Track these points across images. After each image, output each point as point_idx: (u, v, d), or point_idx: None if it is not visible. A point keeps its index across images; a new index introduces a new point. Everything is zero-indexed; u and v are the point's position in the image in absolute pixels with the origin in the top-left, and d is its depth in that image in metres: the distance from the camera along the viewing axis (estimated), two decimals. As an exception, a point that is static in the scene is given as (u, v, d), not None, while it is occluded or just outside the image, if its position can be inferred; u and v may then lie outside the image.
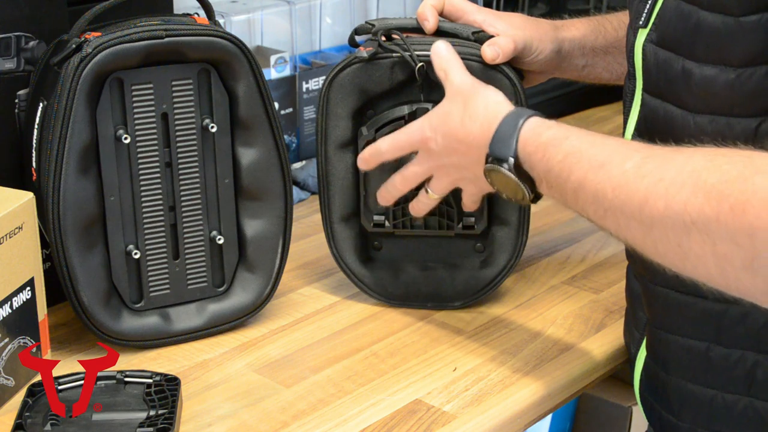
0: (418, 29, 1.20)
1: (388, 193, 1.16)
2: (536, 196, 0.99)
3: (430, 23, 1.18)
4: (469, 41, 1.18)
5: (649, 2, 0.99)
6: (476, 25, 1.20)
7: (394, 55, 1.16)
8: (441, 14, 1.21)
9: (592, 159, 0.90)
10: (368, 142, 1.19)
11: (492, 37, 1.17)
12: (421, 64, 1.15)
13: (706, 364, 1.01)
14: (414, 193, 1.17)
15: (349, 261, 1.24)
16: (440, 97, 1.18)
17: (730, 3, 0.90)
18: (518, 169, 0.97)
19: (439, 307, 1.23)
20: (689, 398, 1.04)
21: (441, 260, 1.23)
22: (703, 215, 0.80)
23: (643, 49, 1.00)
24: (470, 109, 1.03)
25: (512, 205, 1.19)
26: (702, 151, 0.84)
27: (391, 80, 1.17)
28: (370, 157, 1.14)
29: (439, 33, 1.20)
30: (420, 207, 1.16)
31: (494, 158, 0.98)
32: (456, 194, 1.18)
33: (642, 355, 1.09)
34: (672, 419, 1.06)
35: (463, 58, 1.15)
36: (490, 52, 1.14)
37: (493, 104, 1.02)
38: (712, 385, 1.02)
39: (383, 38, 1.17)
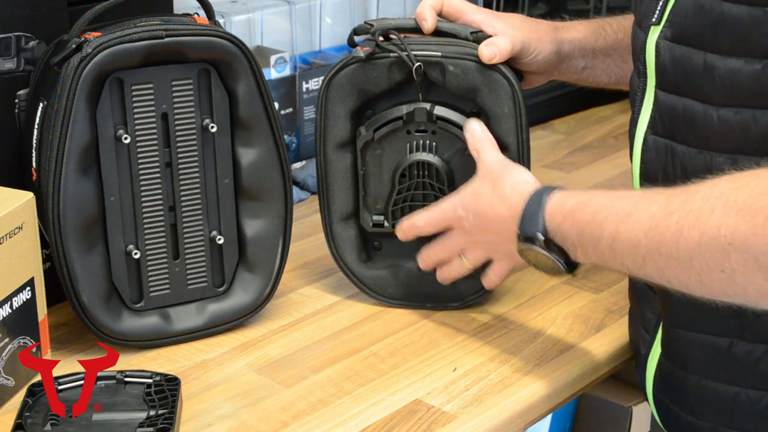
0: (417, 29, 1.20)
1: (429, 258, 1.18)
2: (572, 268, 1.00)
3: (429, 23, 1.19)
4: (467, 41, 1.18)
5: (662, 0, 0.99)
6: (475, 26, 1.20)
7: (391, 55, 1.16)
8: (440, 14, 1.21)
9: (620, 211, 0.91)
10: (367, 143, 1.19)
11: (490, 37, 1.17)
12: (418, 63, 1.15)
13: (728, 360, 1.01)
14: (419, 194, 1.19)
15: (349, 261, 1.24)
16: (437, 97, 1.18)
17: None
18: (549, 244, 0.99)
19: (438, 308, 1.23)
20: (710, 396, 1.03)
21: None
22: (739, 233, 0.80)
23: (657, 47, 1.00)
24: (499, 191, 1.06)
25: None
26: (726, 175, 0.85)
27: (389, 80, 1.17)
28: (408, 229, 1.17)
29: (438, 33, 1.20)
30: (451, 273, 1.17)
31: (525, 237, 1.00)
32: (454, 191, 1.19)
33: (655, 355, 1.09)
34: (691, 419, 1.05)
35: (460, 58, 1.15)
36: (487, 51, 1.14)
37: (520, 184, 1.04)
38: (735, 381, 1.01)
39: (381, 38, 1.17)
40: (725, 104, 0.95)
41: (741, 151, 0.95)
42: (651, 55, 1.01)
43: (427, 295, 1.23)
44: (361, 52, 1.17)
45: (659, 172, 1.02)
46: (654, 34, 1.00)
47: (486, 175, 1.09)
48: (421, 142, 1.19)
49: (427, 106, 1.18)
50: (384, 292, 1.24)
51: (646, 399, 1.13)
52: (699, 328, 1.03)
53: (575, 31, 1.25)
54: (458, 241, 1.13)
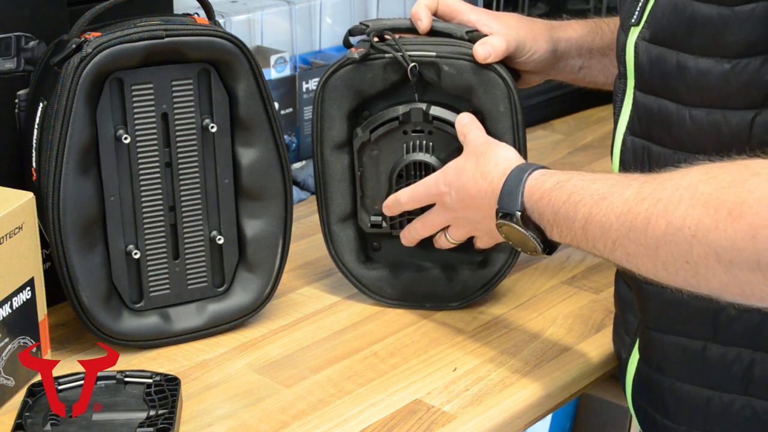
0: (413, 29, 1.20)
1: (410, 236, 1.19)
2: (548, 247, 1.01)
3: (424, 23, 1.18)
4: (462, 41, 1.17)
5: (641, 0, 0.99)
6: (470, 25, 1.20)
7: (386, 55, 1.16)
8: (435, 14, 1.21)
9: (595, 194, 0.92)
10: (364, 143, 1.19)
11: (485, 36, 1.17)
12: (413, 64, 1.15)
13: (702, 363, 1.01)
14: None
15: (348, 261, 1.23)
16: (433, 97, 1.18)
17: None
18: (526, 220, 1.00)
19: (437, 308, 1.23)
20: (685, 399, 1.03)
21: (439, 260, 1.23)
22: (703, 226, 0.81)
23: (635, 47, 1.00)
24: (481, 166, 1.06)
25: None
26: (697, 166, 0.85)
27: (385, 81, 1.17)
28: (392, 206, 1.18)
29: (433, 33, 1.19)
30: (442, 244, 1.19)
31: (503, 213, 1.01)
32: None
33: (634, 359, 1.09)
34: (667, 423, 1.05)
35: (455, 58, 1.15)
36: (482, 51, 1.14)
37: (503, 161, 1.05)
38: (708, 384, 1.01)
39: (376, 39, 1.17)
40: (697, 104, 0.95)
41: (713, 152, 0.95)
42: (630, 56, 1.01)
43: (426, 295, 1.23)
44: (355, 53, 1.17)
45: (637, 173, 1.02)
46: (633, 34, 1.00)
47: (470, 152, 1.10)
48: (418, 142, 1.19)
49: (423, 106, 1.17)
50: (383, 292, 1.24)
51: (627, 404, 1.13)
52: (674, 331, 1.03)
53: (572, 31, 1.25)
54: (440, 217, 1.13)
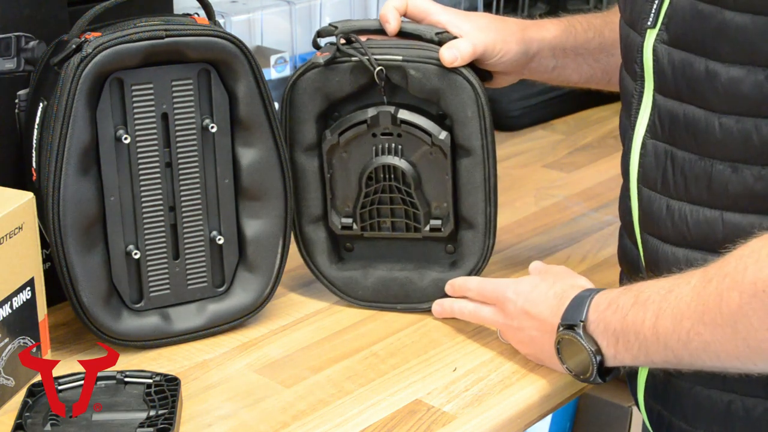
0: (382, 31, 1.19)
1: (445, 311, 1.19)
2: (603, 369, 1.01)
3: (392, 25, 1.18)
4: (431, 43, 1.17)
5: (656, 2, 0.97)
6: (440, 26, 1.19)
7: (352, 59, 1.16)
8: (405, 15, 1.20)
9: (661, 289, 0.94)
10: (332, 146, 1.19)
11: (455, 38, 1.16)
12: (379, 68, 1.14)
13: None
14: (386, 197, 1.20)
15: (319, 263, 1.23)
16: (402, 99, 1.18)
17: (760, 2, 0.89)
18: (587, 334, 1.01)
19: (408, 309, 1.22)
20: (704, 403, 1.02)
21: (412, 261, 1.23)
22: None
23: (654, 50, 0.98)
24: (557, 287, 1.07)
25: (478, 208, 1.18)
26: (756, 236, 0.86)
27: (353, 84, 1.17)
28: (458, 288, 1.18)
29: (402, 34, 1.19)
30: (459, 314, 1.19)
31: (565, 326, 1.02)
32: (422, 196, 1.18)
33: None
34: (684, 426, 1.05)
35: (421, 62, 1.14)
36: (448, 55, 1.14)
37: (578, 287, 1.06)
38: (729, 389, 1.00)
39: (342, 41, 1.16)
40: (727, 112, 0.94)
41: (742, 160, 0.94)
42: (648, 58, 0.99)
43: (398, 296, 1.22)
44: (320, 58, 1.16)
45: (658, 177, 1.01)
46: (650, 37, 0.98)
47: (548, 273, 1.12)
48: (387, 145, 1.18)
49: (392, 109, 1.17)
50: (354, 293, 1.23)
51: (636, 405, 1.12)
52: None
53: (545, 31, 1.24)
54: (492, 318, 1.14)
